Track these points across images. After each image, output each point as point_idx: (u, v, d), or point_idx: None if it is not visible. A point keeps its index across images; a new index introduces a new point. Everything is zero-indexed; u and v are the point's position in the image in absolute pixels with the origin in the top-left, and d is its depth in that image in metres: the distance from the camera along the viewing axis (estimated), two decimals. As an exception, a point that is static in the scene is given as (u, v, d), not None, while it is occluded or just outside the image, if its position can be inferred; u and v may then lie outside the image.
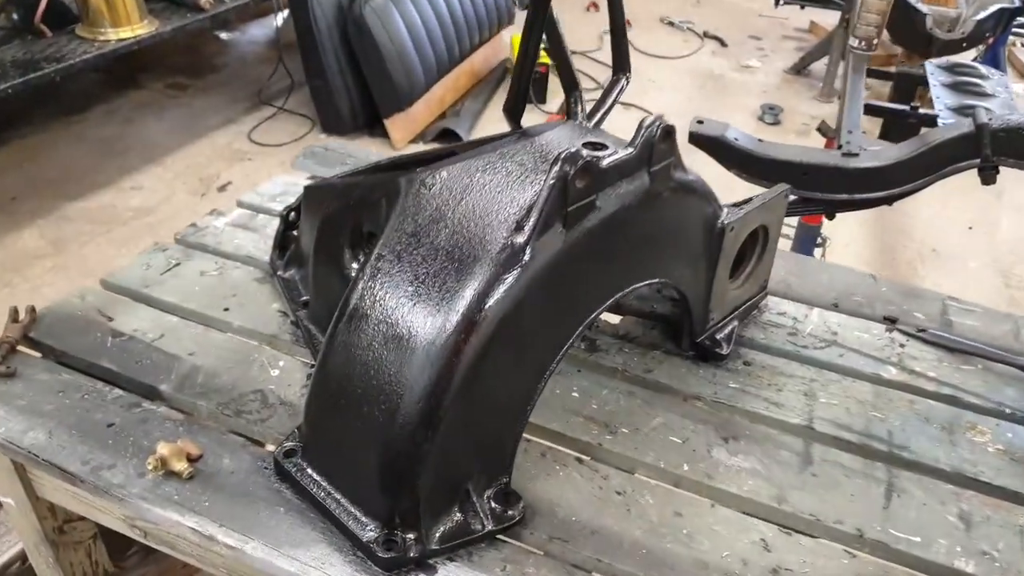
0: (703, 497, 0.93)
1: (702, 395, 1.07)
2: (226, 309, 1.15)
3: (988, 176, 1.78)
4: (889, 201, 1.90)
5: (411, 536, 0.80)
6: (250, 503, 0.86)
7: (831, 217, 2.10)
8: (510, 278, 0.79)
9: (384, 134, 3.73)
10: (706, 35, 5.55)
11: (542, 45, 1.13)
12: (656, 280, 0.97)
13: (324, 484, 0.86)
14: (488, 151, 0.94)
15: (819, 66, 5.01)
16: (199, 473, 0.89)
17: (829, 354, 1.16)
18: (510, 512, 0.85)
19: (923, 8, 3.30)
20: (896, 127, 2.57)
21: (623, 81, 1.25)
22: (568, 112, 1.16)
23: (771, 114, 4.43)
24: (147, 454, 0.89)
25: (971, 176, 1.74)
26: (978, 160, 1.74)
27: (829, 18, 5.17)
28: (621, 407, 1.03)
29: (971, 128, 1.72)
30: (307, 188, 1.17)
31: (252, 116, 3.87)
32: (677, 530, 0.88)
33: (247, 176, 3.39)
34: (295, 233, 1.23)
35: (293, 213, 1.23)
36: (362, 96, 3.66)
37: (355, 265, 1.00)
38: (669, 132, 0.89)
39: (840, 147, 1.95)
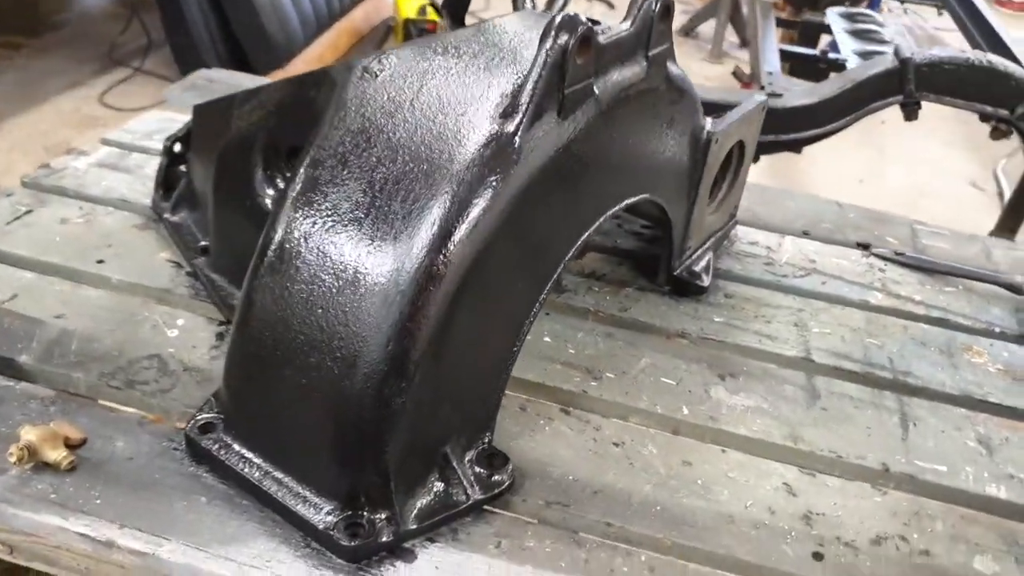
0: (710, 443, 0.79)
1: (687, 332, 0.93)
2: (100, 261, 0.91)
3: (911, 112, 1.74)
4: (814, 140, 1.84)
5: (381, 516, 0.62)
6: (158, 494, 0.65)
7: (756, 159, 2.03)
8: (496, 180, 0.61)
9: (258, 96, 3.42)
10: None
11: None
12: (645, 196, 0.81)
13: (258, 462, 0.66)
14: (440, 39, 0.75)
15: (706, 28, 5.03)
16: (83, 462, 0.67)
17: (811, 282, 1.05)
18: (497, 477, 0.68)
19: (811, -40, 3.31)
20: (805, 72, 2.55)
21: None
22: (514, 3, 0.99)
23: (658, 72, 4.40)
24: (7, 442, 0.66)
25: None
26: (901, 96, 1.70)
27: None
28: (601, 350, 0.88)
29: (895, 63, 1.67)
30: (198, 108, 0.94)
31: (103, 79, 3.45)
32: (690, 482, 0.74)
33: (102, 143, 3.02)
34: (183, 168, 1.01)
35: (179, 144, 1.00)
36: (232, 54, 3.32)
37: (271, 191, 0.80)
38: (668, 8, 0.74)
39: (763, 88, 1.88)
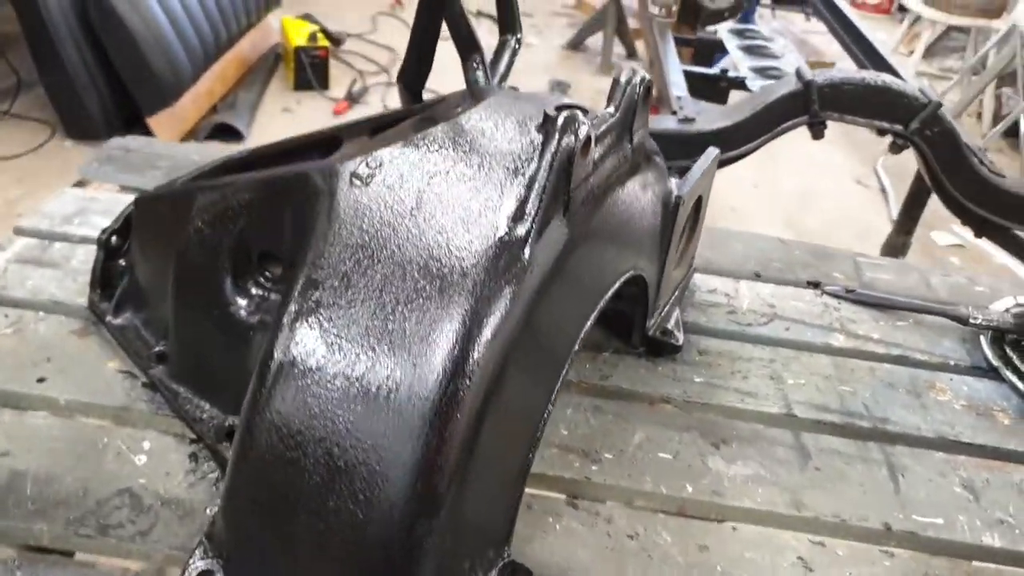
0: (719, 520, 0.78)
1: (671, 397, 0.92)
2: (41, 380, 0.82)
3: (817, 131, 1.81)
4: (728, 163, 1.89)
5: (414, 662, 0.58)
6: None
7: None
8: (511, 291, 0.58)
9: (147, 135, 3.24)
10: (480, 14, 5.46)
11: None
12: (630, 273, 0.80)
13: (268, 612, 0.61)
14: (418, 135, 0.71)
15: (593, 41, 5.11)
16: (67, 635, 0.60)
17: (775, 329, 1.06)
18: (523, 594, 0.65)
19: (693, -22, 3.41)
20: (707, 91, 2.61)
21: (513, 43, 1.06)
22: (466, 79, 0.96)
23: (560, 89, 4.44)
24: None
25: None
26: (807, 116, 1.77)
27: (596, -5, 5.30)
28: (594, 428, 0.86)
29: (799, 86, 1.73)
30: (141, 201, 0.87)
31: (-30, 125, 3.21)
32: (711, 569, 0.73)
33: (-23, 200, 2.79)
34: (122, 263, 0.93)
35: (115, 237, 0.92)
36: (115, 92, 3.15)
37: (244, 302, 0.74)
38: (650, 90, 0.72)
39: (674, 113, 1.91)
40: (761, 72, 2.35)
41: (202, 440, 0.78)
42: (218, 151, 1.27)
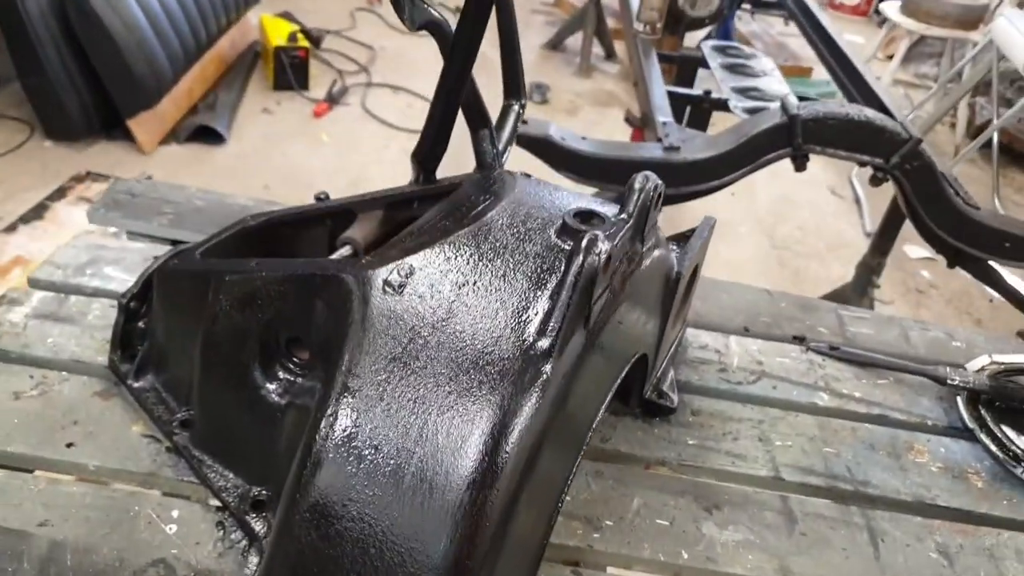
0: (713, 587, 0.84)
1: (667, 460, 0.98)
2: (70, 445, 0.86)
3: (800, 163, 1.88)
4: (712, 191, 1.95)
5: None
6: None
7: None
8: (531, 402, 0.63)
9: (127, 137, 3.23)
10: (458, 11, 5.46)
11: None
12: (639, 353, 0.85)
13: None
14: (437, 229, 0.75)
15: (573, 41, 5.14)
16: None
17: (763, 387, 1.12)
18: (537, 669, 0.70)
19: (674, -13, 3.47)
20: (688, 112, 2.67)
21: (518, 108, 1.10)
22: (476, 151, 0.99)
23: (539, 92, 4.47)
24: None
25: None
26: (791, 148, 1.83)
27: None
28: (595, 494, 0.91)
29: (784, 119, 1.80)
30: (160, 273, 0.90)
31: (-56, 124, 3.17)
32: (706, 637, 0.78)
33: (-44, 202, 2.76)
34: (141, 325, 0.96)
35: (135, 301, 0.95)
36: (94, 93, 3.12)
37: (272, 385, 0.77)
38: (662, 195, 0.77)
39: (660, 140, 1.95)
40: (743, 93, 2.40)
41: (227, 509, 0.81)
42: (219, 200, 1.30)
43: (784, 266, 3.54)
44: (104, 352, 0.97)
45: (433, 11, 0.90)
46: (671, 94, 2.54)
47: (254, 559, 0.77)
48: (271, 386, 0.77)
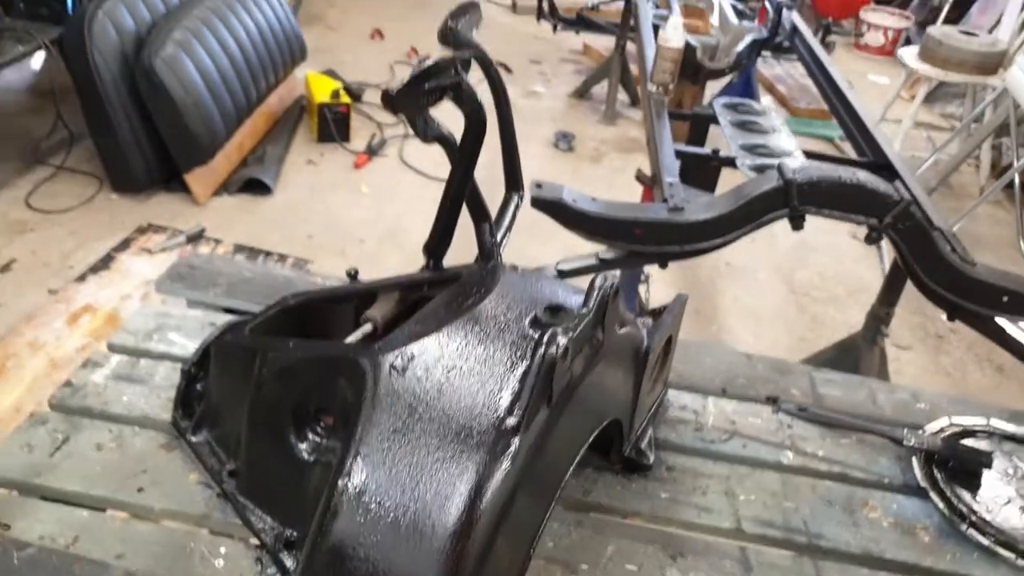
0: (671, 625, 0.99)
1: (641, 511, 1.13)
2: (140, 490, 1.04)
3: (797, 223, 2.01)
4: (713, 249, 2.09)
5: None
6: None
7: (664, 266, 2.27)
8: (503, 467, 0.79)
9: (183, 188, 3.50)
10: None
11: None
12: (609, 420, 1.01)
13: None
14: (437, 318, 0.93)
15: (599, 88, 5.33)
16: None
17: (734, 446, 1.26)
18: None
19: (692, 41, 3.63)
20: (695, 169, 2.81)
21: (516, 199, 1.28)
22: (478, 241, 1.17)
23: (564, 141, 4.66)
24: None
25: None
26: (787, 210, 1.97)
27: (603, 40, 5.52)
28: (574, 540, 1.07)
29: (780, 182, 1.93)
30: (217, 346, 1.09)
31: (26, 178, 3.46)
32: (661, 665, 0.93)
33: (33, 252, 3.03)
34: (199, 388, 1.15)
35: (194, 367, 1.14)
36: (156, 150, 3.40)
37: (303, 445, 0.95)
38: (617, 292, 0.93)
39: (665, 200, 2.11)
40: (751, 150, 2.52)
41: (264, 547, 0.99)
42: (265, 271, 1.50)
43: (803, 312, 3.65)
44: (168, 409, 1.16)
45: (442, 127, 1.08)
46: (681, 153, 2.69)
47: (286, 589, 0.94)
48: (302, 445, 0.95)
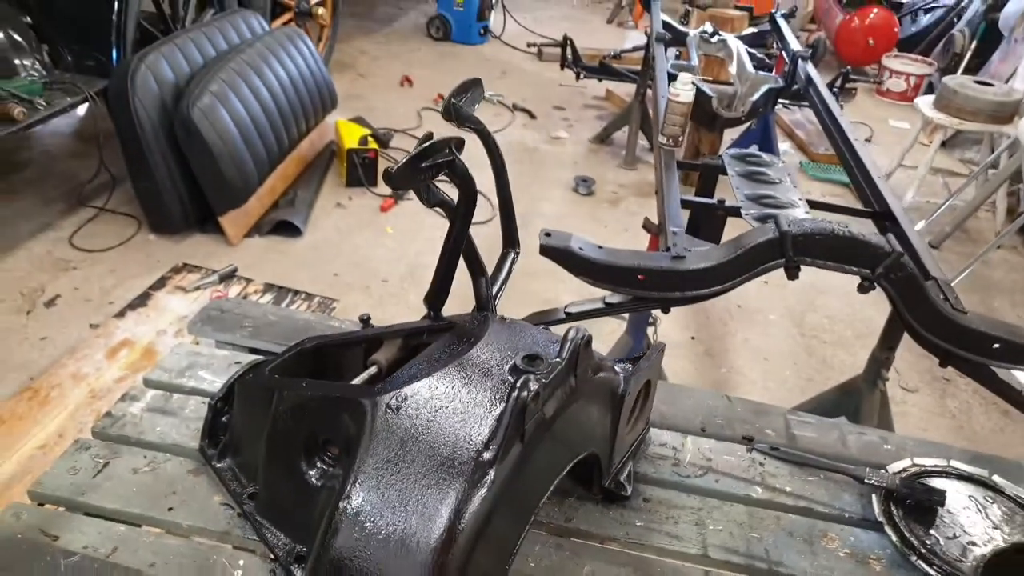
0: (636, 639, 1.10)
1: (616, 537, 1.25)
2: (170, 509, 1.19)
3: (792, 272, 2.12)
4: (713, 296, 2.21)
5: None
6: None
7: (666, 311, 2.39)
8: (480, 494, 0.93)
9: (217, 230, 3.69)
10: (515, 107, 5.91)
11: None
12: (583, 454, 1.14)
13: None
14: (431, 364, 1.07)
15: (620, 134, 5.49)
16: None
17: (707, 481, 1.38)
18: None
19: (708, 91, 3.77)
20: (704, 218, 2.95)
21: (512, 255, 1.43)
22: (475, 294, 1.31)
23: (584, 186, 4.81)
24: None
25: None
26: (783, 260, 2.08)
27: (625, 87, 5.70)
28: (554, 562, 1.19)
29: (775, 234, 2.05)
30: (240, 383, 1.24)
31: (70, 219, 3.68)
32: (623, 675, 1.05)
33: (76, 288, 3.23)
34: (224, 420, 1.29)
35: (220, 402, 1.29)
36: (192, 194, 3.61)
37: (312, 472, 1.09)
38: (589, 342, 1.07)
39: (667, 249, 2.24)
40: (756, 200, 2.64)
41: (278, 560, 1.12)
42: (288, 315, 1.65)
43: (811, 354, 3.73)
44: (196, 439, 1.30)
45: (443, 194, 1.22)
46: (688, 202, 2.82)
47: (295, 598, 1.08)
48: (311, 472, 1.09)
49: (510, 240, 1.42)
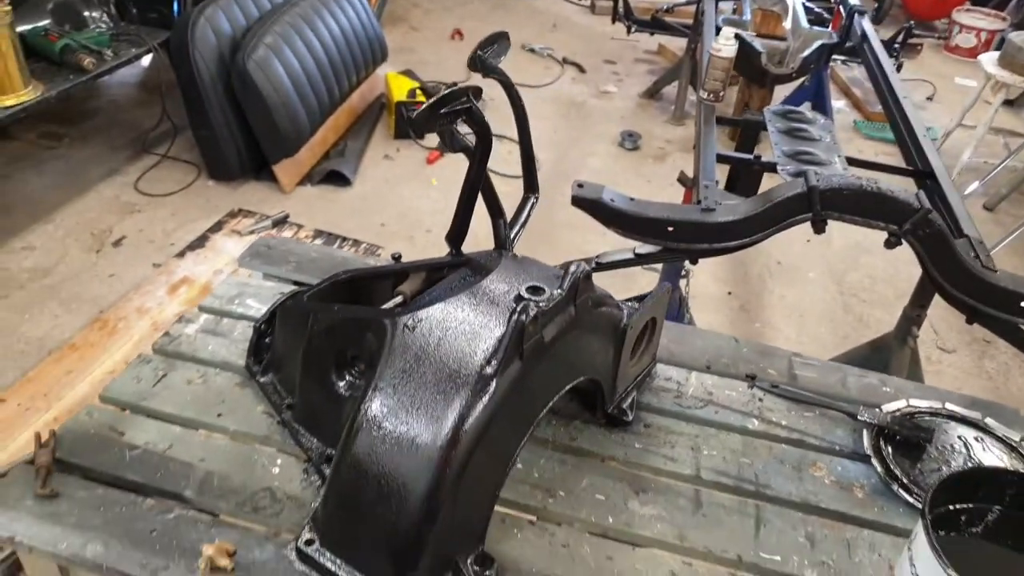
0: (626, 542, 1.22)
1: (616, 456, 1.37)
2: (219, 415, 1.35)
3: (819, 227, 2.17)
4: (741, 248, 2.27)
5: (419, 601, 1.06)
6: (285, 587, 1.09)
7: (694, 262, 2.47)
8: (482, 403, 1.05)
9: (271, 178, 3.87)
10: (565, 61, 5.94)
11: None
12: (582, 378, 1.26)
13: (342, 565, 1.09)
14: (447, 292, 1.20)
15: (670, 89, 5.49)
16: (238, 566, 1.10)
17: (707, 412, 1.49)
18: (488, 573, 1.12)
19: (759, 46, 3.78)
20: (742, 173, 2.99)
21: (532, 200, 1.53)
22: (495, 234, 1.43)
23: (630, 140, 4.85)
24: (191, 554, 1.09)
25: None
26: (810, 214, 2.13)
27: (677, 41, 5.68)
28: (556, 474, 1.32)
29: (803, 188, 2.10)
30: (282, 308, 1.38)
31: (136, 165, 3.90)
32: (610, 571, 1.17)
33: (140, 230, 3.45)
34: (267, 341, 1.44)
35: (264, 325, 1.44)
36: (248, 143, 3.78)
37: (342, 383, 1.23)
38: (588, 275, 1.18)
39: (699, 202, 2.31)
40: (794, 156, 2.68)
41: (311, 461, 1.27)
42: (329, 253, 1.79)
43: (848, 312, 3.77)
44: (243, 357, 1.46)
45: (465, 140, 1.33)
46: (724, 157, 2.87)
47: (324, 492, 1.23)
48: (340, 384, 1.23)
49: (530, 185, 1.52)
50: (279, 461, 1.28)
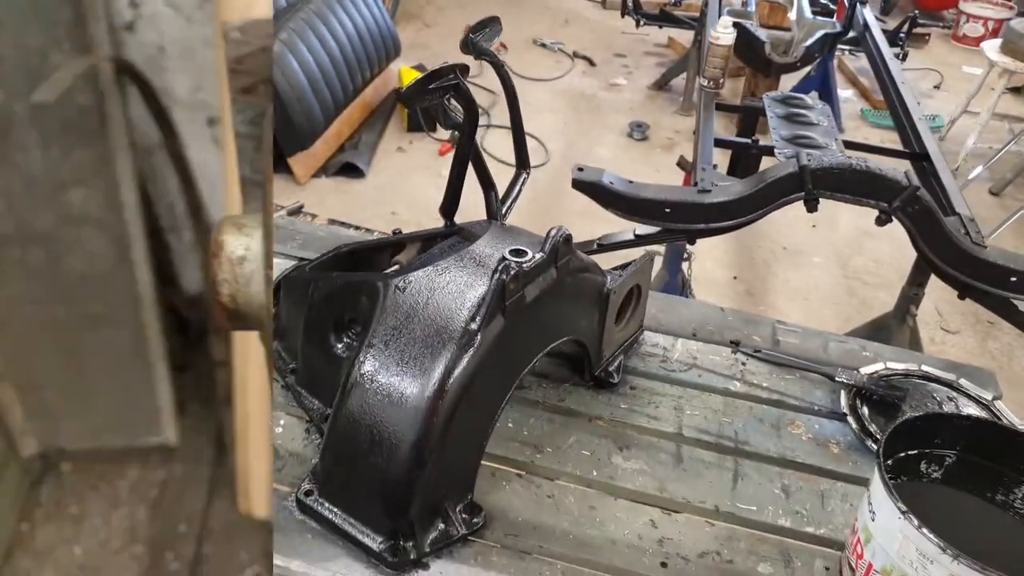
0: (608, 494, 1.30)
1: (602, 416, 1.44)
2: (227, 380, 1.44)
3: (811, 205, 2.23)
4: (737, 227, 2.34)
5: (409, 544, 1.13)
6: (285, 533, 1.17)
7: (692, 242, 2.54)
8: (467, 357, 1.13)
9: (287, 170, 3.97)
10: (576, 55, 6.01)
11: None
12: (565, 338, 1.33)
13: (339, 513, 1.17)
14: (437, 256, 1.27)
15: (678, 81, 5.54)
16: (242, 514, 1.19)
17: (691, 375, 1.55)
18: (475, 520, 1.19)
19: (762, 36, 3.83)
20: (742, 157, 3.05)
21: (524, 176, 1.61)
22: (487, 207, 1.50)
23: (639, 131, 4.92)
24: (198, 504, 1.18)
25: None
26: (802, 193, 2.19)
27: (687, 35, 5.72)
28: (544, 432, 1.39)
29: (796, 168, 2.16)
30: (285, 279, 1.47)
31: (155, 160, 4.02)
32: (592, 519, 1.24)
33: (160, 221, 3.56)
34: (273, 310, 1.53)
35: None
36: (264, 137, 3.88)
37: (339, 345, 1.32)
38: (568, 239, 1.25)
39: (696, 184, 2.37)
40: (792, 140, 2.74)
41: (312, 421, 1.36)
42: (334, 231, 1.88)
43: (853, 295, 3.81)
44: (250, 328, 1.55)
45: (458, 117, 1.41)
46: (722, 141, 2.93)
47: (324, 448, 1.31)
48: (338, 346, 1.32)
49: (521, 162, 1.59)
50: (282, 421, 1.36)
